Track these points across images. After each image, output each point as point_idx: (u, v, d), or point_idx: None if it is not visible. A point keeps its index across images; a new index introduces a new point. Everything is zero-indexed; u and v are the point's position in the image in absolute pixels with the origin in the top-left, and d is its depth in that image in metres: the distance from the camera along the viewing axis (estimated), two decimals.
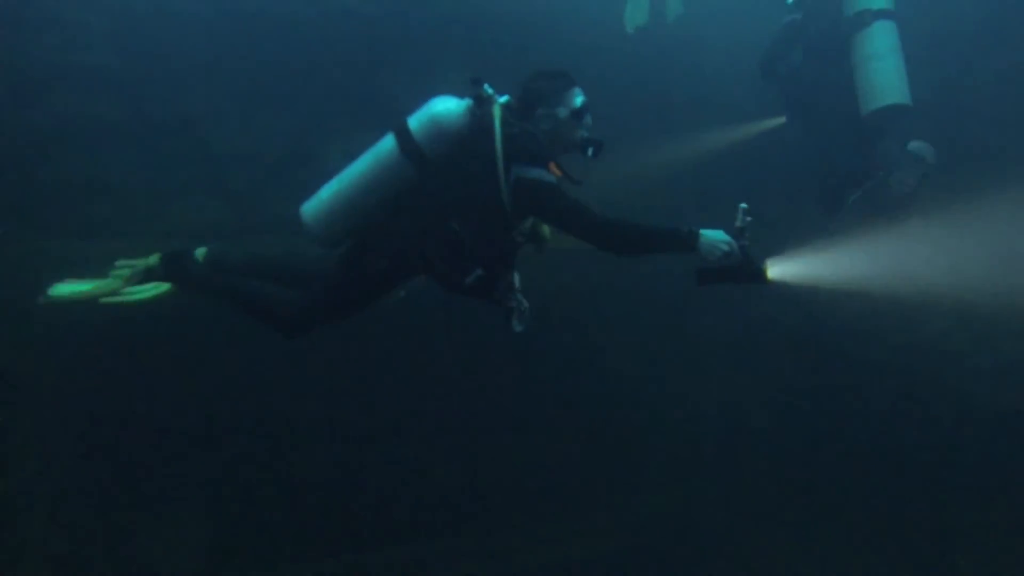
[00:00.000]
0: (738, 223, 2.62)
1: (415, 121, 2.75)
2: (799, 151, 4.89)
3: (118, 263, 3.34)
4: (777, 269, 2.76)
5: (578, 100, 2.89)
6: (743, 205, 2.61)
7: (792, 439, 4.87)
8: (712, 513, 4.82)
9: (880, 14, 4.20)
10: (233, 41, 4.87)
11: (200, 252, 3.30)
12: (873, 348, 4.77)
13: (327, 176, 2.92)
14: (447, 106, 2.75)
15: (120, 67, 4.65)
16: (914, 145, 4.46)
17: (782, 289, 2.77)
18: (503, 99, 2.81)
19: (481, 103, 2.77)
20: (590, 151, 2.85)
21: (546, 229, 3.03)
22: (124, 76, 4.63)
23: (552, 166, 2.76)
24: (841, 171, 4.51)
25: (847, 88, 4.28)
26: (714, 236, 2.59)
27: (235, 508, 4.18)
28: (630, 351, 5.00)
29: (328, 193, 2.84)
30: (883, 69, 4.11)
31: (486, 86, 2.79)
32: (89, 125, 4.42)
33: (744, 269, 2.62)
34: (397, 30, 5.16)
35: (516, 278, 2.94)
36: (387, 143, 2.78)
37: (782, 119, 4.88)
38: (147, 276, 3.22)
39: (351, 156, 2.91)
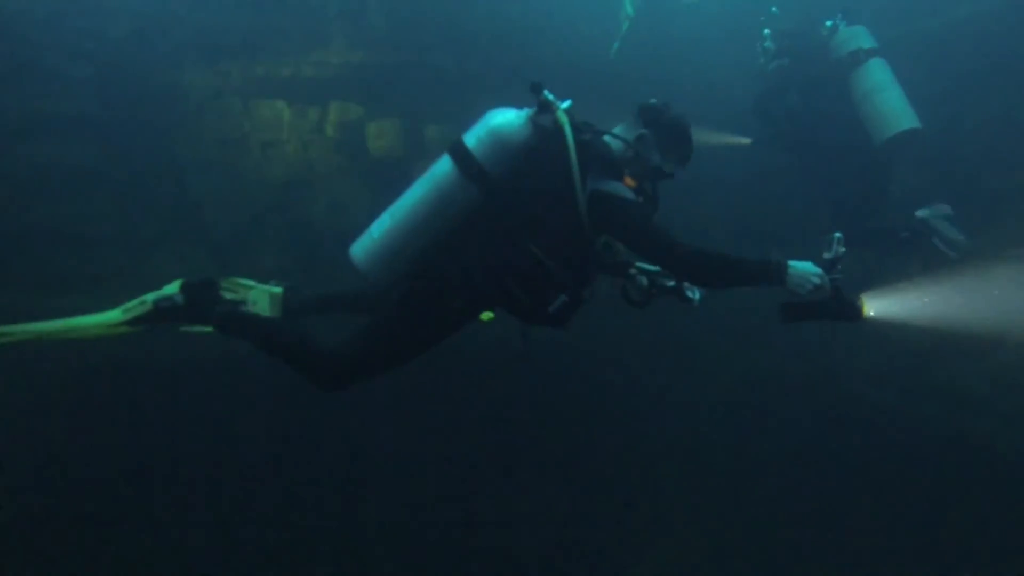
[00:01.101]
0: (830, 254, 2.36)
1: (472, 138, 2.45)
2: (803, 183, 4.96)
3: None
4: (875, 305, 2.48)
5: (670, 168, 2.66)
6: (837, 235, 2.37)
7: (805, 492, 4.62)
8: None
9: (871, 52, 4.46)
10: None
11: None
12: (889, 392, 4.58)
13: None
14: (506, 118, 2.46)
15: (100, 114, 4.54)
16: (925, 212, 4.49)
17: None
18: (565, 104, 2.53)
19: (543, 111, 2.48)
20: (653, 182, 2.63)
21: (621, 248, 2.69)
22: (104, 123, 4.51)
23: (627, 180, 2.52)
24: (853, 199, 4.56)
25: (851, 122, 4.46)
26: (804, 268, 2.33)
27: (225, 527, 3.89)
28: (634, 396, 4.79)
29: (382, 229, 2.47)
30: (889, 99, 4.30)
31: (547, 92, 2.48)
32: (65, 173, 4.27)
33: (835, 304, 2.37)
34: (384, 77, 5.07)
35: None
36: (443, 166, 2.46)
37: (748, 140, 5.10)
38: (158, 313, 2.65)
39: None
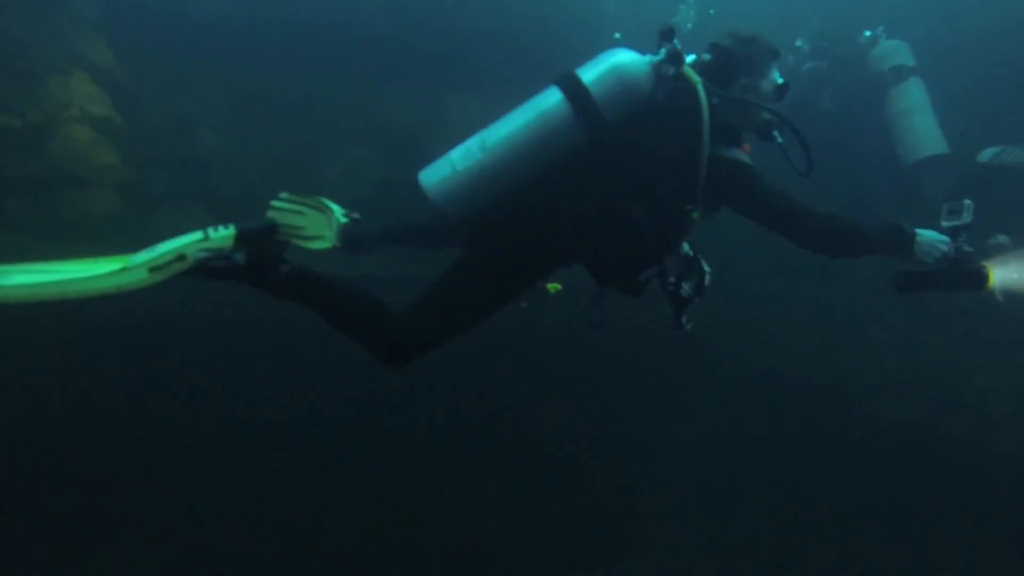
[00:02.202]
0: (959, 221, 2.25)
1: (590, 73, 2.14)
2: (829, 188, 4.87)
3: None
4: (1003, 274, 2.32)
5: (779, 75, 2.41)
6: (967, 201, 2.26)
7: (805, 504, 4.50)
8: None
9: (912, 71, 4.49)
10: (237, 43, 4.59)
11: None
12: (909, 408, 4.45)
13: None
14: (632, 58, 2.17)
15: (115, 60, 4.38)
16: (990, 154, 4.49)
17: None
18: (690, 58, 2.28)
19: (671, 61, 2.18)
20: (777, 135, 2.37)
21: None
22: (118, 70, 4.36)
23: (746, 147, 2.31)
24: (887, 205, 4.62)
25: (883, 133, 4.53)
26: (933, 236, 2.25)
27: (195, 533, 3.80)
28: (634, 396, 4.66)
29: (469, 161, 2.12)
30: (922, 122, 4.36)
31: (677, 40, 2.20)
32: (73, 115, 4.12)
33: (960, 274, 2.26)
34: (403, 44, 4.89)
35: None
36: (551, 98, 2.15)
37: None
38: (204, 272, 1.90)
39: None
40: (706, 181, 2.17)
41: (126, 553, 3.66)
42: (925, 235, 2.25)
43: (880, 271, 4.72)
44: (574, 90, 2.12)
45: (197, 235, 1.90)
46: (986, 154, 4.43)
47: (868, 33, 4.69)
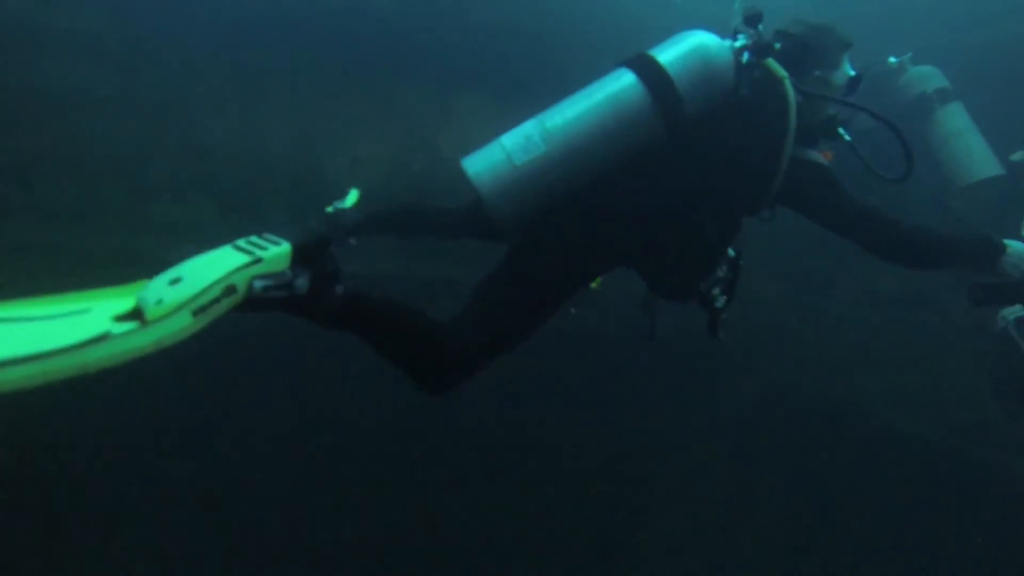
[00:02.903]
0: None
1: (669, 55, 1.88)
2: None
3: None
4: None
5: (850, 66, 2.24)
6: None
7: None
8: None
9: (951, 94, 4.44)
10: (243, 29, 4.44)
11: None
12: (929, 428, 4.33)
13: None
14: (715, 41, 1.93)
15: (112, 35, 4.21)
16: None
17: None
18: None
19: (755, 52, 1.97)
20: (844, 133, 2.17)
21: None
22: (117, 45, 4.18)
23: (827, 154, 2.18)
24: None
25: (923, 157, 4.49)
26: (1021, 248, 2.14)
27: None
28: (634, 411, 4.53)
29: (531, 154, 1.82)
30: (974, 144, 4.34)
31: (761, 26, 1.99)
32: (69, 94, 3.95)
33: None
34: (411, 33, 4.74)
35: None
36: (624, 81, 1.87)
37: None
38: (256, 304, 1.44)
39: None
40: (784, 184, 1.99)
41: (124, 553, 3.53)
42: (1015, 247, 2.13)
43: (904, 284, 4.66)
44: (651, 73, 1.83)
45: (240, 257, 1.38)
46: (1019, 155, 4.39)
47: (893, 60, 4.61)
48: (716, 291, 2.10)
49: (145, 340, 1.24)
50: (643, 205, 1.93)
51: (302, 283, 1.45)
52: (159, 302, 1.27)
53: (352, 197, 2.46)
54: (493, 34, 4.82)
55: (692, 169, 1.95)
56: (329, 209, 2.36)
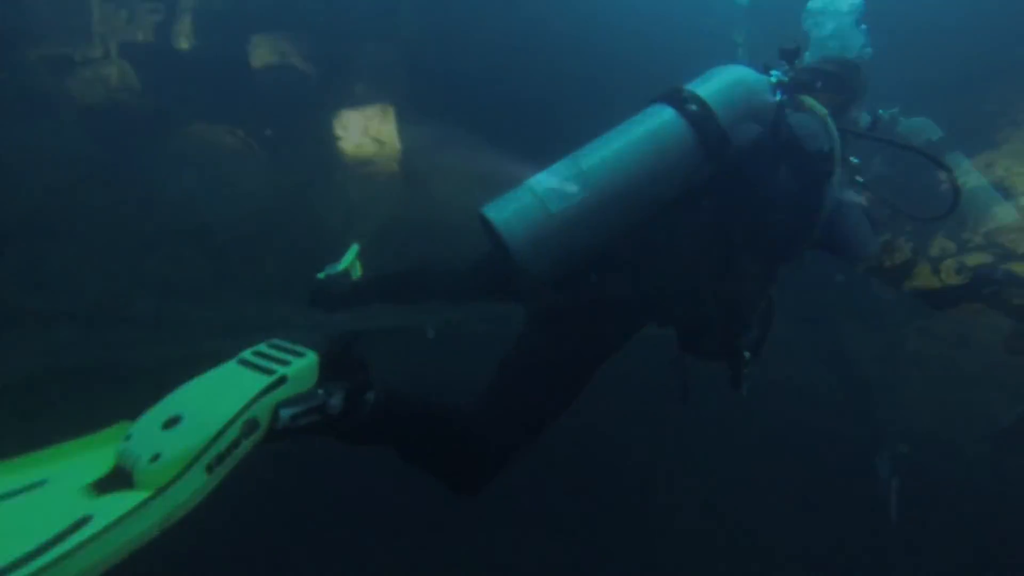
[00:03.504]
0: None
1: (709, 88, 1.71)
2: None
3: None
4: None
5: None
6: None
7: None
8: None
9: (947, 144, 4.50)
10: (231, 85, 4.43)
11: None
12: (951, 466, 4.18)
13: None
14: (753, 75, 1.78)
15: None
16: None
17: None
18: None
19: (793, 89, 1.87)
20: (860, 180, 2.04)
21: None
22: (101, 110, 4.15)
23: (866, 195, 2.08)
24: None
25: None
26: None
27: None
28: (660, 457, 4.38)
29: (568, 201, 1.57)
30: (983, 192, 4.42)
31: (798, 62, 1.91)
32: (58, 161, 3.89)
33: None
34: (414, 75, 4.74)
35: None
36: (664, 116, 1.68)
37: None
38: (282, 434, 1.14)
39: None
40: (824, 226, 1.87)
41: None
42: None
43: (918, 316, 4.57)
44: (697, 110, 1.64)
45: (257, 379, 1.06)
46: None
47: (883, 112, 4.83)
48: (743, 342, 1.91)
49: (146, 522, 0.83)
50: (685, 255, 1.72)
51: (336, 402, 1.15)
52: (156, 458, 0.90)
53: (351, 254, 2.27)
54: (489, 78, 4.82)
55: (732, 213, 1.77)
56: (321, 275, 2.12)
